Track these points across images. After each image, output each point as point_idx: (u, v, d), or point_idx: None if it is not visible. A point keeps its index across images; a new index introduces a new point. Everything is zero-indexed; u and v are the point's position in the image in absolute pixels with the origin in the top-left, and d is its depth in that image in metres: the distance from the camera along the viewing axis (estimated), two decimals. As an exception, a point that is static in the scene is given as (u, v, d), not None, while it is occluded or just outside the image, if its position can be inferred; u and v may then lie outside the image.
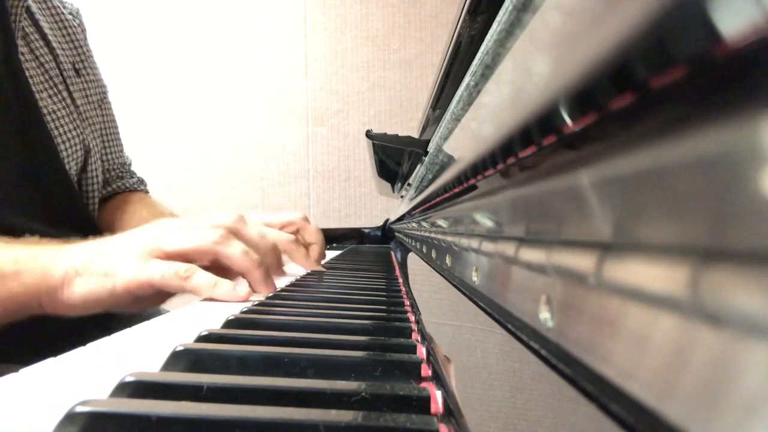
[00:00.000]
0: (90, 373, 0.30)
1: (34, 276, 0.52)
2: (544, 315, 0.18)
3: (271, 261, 0.60)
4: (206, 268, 0.54)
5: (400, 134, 0.87)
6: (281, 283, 0.63)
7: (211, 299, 0.52)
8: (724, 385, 0.09)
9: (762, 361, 0.08)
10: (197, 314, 0.48)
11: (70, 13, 0.89)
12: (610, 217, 0.15)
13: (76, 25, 0.88)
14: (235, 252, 0.54)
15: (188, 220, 0.57)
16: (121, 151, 0.97)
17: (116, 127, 0.95)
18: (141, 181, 1.00)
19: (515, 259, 0.23)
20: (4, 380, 0.28)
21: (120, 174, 0.97)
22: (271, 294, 0.54)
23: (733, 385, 0.09)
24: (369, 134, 0.93)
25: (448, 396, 0.24)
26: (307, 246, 0.81)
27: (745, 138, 0.09)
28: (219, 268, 0.56)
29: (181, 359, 0.28)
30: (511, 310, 0.23)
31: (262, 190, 1.99)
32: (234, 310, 0.42)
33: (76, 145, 0.81)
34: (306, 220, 0.81)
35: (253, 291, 0.55)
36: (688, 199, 0.11)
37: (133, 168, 1.02)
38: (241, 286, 0.53)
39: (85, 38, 0.90)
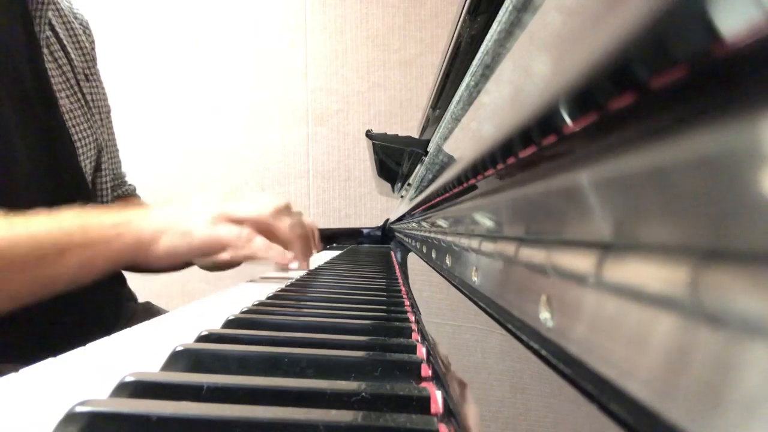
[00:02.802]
0: (90, 373, 0.30)
1: (131, 237, 0.63)
2: (544, 315, 0.18)
3: (310, 236, 0.73)
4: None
5: (400, 134, 0.87)
6: (281, 283, 0.63)
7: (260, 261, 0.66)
8: (724, 385, 0.09)
9: (762, 361, 0.08)
10: (197, 314, 0.48)
11: (81, 24, 0.92)
12: (610, 217, 0.15)
13: (85, 37, 0.91)
14: (285, 225, 0.68)
15: (248, 197, 0.70)
16: (120, 164, 1.03)
17: (116, 144, 1.00)
18: (135, 189, 1.08)
19: (515, 259, 0.23)
20: (4, 380, 0.28)
21: (120, 183, 1.03)
22: (271, 294, 0.55)
23: (733, 385, 0.09)
24: (369, 134, 0.93)
25: (448, 396, 0.24)
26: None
27: (745, 138, 0.09)
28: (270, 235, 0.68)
29: (181, 359, 0.28)
30: (511, 310, 0.23)
31: (262, 190, 1.99)
32: (234, 309, 0.42)
33: (90, 144, 0.84)
34: (300, 213, 0.77)
35: (296, 260, 0.68)
36: (688, 199, 0.11)
37: (131, 174, 1.09)
38: (288, 254, 0.67)
39: (94, 49, 0.93)
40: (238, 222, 0.65)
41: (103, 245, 0.62)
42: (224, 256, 0.68)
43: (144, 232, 0.64)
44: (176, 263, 0.68)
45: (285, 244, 0.68)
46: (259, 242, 0.65)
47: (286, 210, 0.70)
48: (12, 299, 0.58)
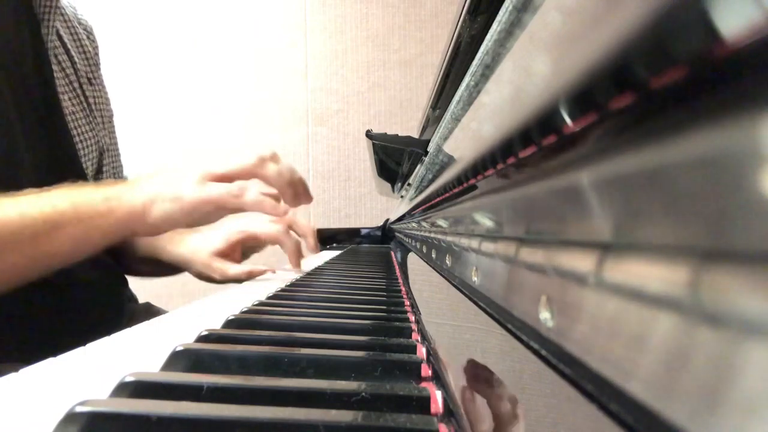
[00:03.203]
0: (90, 373, 0.30)
1: (123, 210, 0.63)
2: (544, 315, 0.18)
3: (300, 182, 0.71)
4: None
5: (400, 134, 0.87)
6: (281, 283, 0.63)
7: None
8: (725, 385, 0.09)
9: (762, 362, 0.08)
10: (197, 314, 0.48)
11: (85, 29, 0.93)
12: (610, 217, 0.15)
13: (88, 42, 0.93)
14: (272, 172, 0.67)
15: (229, 153, 0.70)
16: (122, 168, 1.04)
17: (118, 149, 1.01)
18: None
19: (515, 259, 0.23)
20: (4, 380, 0.28)
21: None
22: (271, 294, 0.55)
23: (734, 385, 0.09)
24: (369, 134, 0.93)
25: (448, 396, 0.24)
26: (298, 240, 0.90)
27: (745, 138, 0.09)
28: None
29: (181, 359, 0.28)
30: (511, 310, 0.23)
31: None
32: (234, 309, 0.42)
33: (92, 146, 0.85)
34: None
35: (289, 206, 0.68)
36: (688, 199, 0.11)
37: (131, 174, 1.09)
38: (281, 206, 0.67)
39: (97, 54, 0.94)
40: (226, 178, 0.66)
41: (96, 219, 0.62)
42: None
43: (135, 204, 0.64)
44: (175, 228, 0.69)
45: (276, 194, 0.69)
46: (251, 194, 0.65)
47: (272, 158, 0.69)
48: (9, 278, 0.58)
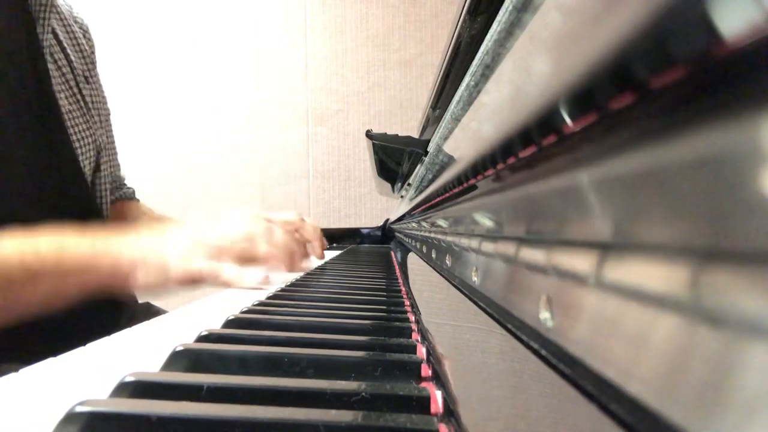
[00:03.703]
0: (90, 373, 0.30)
1: (106, 269, 0.62)
2: (544, 315, 0.18)
3: (295, 249, 0.73)
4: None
5: (400, 134, 0.87)
6: (281, 283, 0.63)
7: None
8: (725, 385, 0.09)
9: (762, 362, 0.08)
10: (197, 314, 0.48)
11: (81, 28, 0.93)
12: (609, 217, 0.15)
13: (85, 41, 0.92)
14: (262, 248, 0.68)
15: (222, 221, 0.71)
16: (119, 167, 1.04)
17: (115, 147, 1.01)
18: (134, 191, 1.09)
19: (515, 259, 0.23)
20: (4, 380, 0.28)
21: (119, 186, 1.04)
22: (271, 294, 0.55)
23: (734, 385, 0.09)
24: (369, 134, 0.93)
25: (448, 396, 0.24)
26: (305, 243, 0.89)
27: (745, 138, 0.09)
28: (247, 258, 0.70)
29: (181, 359, 0.28)
30: (511, 310, 0.23)
31: (262, 190, 1.99)
32: (234, 309, 0.42)
33: (89, 144, 0.85)
34: (303, 219, 0.88)
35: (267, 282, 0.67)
36: (688, 199, 0.11)
37: (130, 175, 1.11)
38: (261, 274, 0.66)
39: (94, 53, 0.94)
40: (220, 252, 0.66)
41: (77, 274, 0.60)
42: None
43: (121, 264, 0.63)
44: (156, 294, 0.70)
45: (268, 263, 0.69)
46: (232, 273, 0.65)
47: (266, 232, 0.70)
48: None
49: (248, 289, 0.63)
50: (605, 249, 0.15)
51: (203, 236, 0.67)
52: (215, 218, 0.71)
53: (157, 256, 0.64)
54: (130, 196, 1.05)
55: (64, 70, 0.83)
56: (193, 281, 0.64)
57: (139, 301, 0.98)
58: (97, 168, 0.88)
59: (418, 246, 0.78)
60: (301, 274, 0.76)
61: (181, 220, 1.06)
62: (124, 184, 1.06)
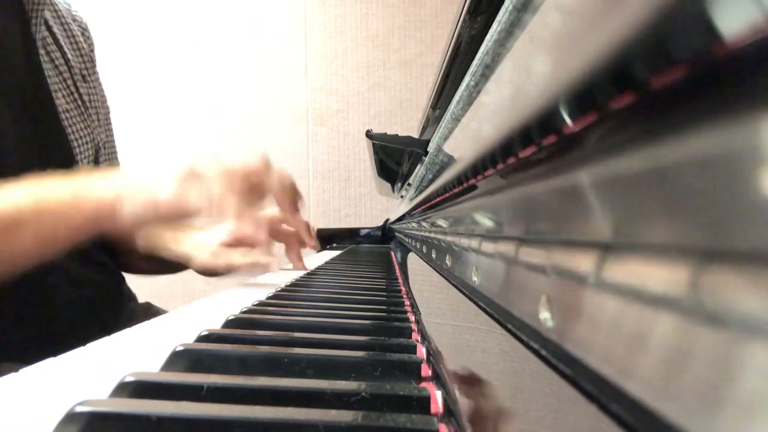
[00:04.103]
0: (90, 373, 0.30)
1: (90, 206, 0.59)
2: (544, 315, 0.18)
3: (294, 192, 0.67)
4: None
5: (400, 134, 0.87)
6: (281, 283, 0.63)
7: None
8: (725, 385, 0.09)
9: (762, 362, 0.08)
10: (197, 314, 0.48)
11: (80, 26, 0.93)
12: (610, 217, 0.15)
13: (83, 39, 0.92)
14: (269, 180, 0.62)
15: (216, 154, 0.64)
16: (120, 165, 1.04)
17: (115, 146, 1.01)
18: None
19: (515, 259, 0.23)
20: (4, 380, 0.28)
21: None
22: (271, 294, 0.55)
23: (734, 385, 0.09)
24: (369, 134, 0.93)
25: (448, 396, 0.24)
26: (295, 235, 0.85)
27: (745, 138, 0.09)
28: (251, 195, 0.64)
29: (181, 359, 0.28)
30: (511, 310, 0.23)
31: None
32: (234, 309, 0.42)
33: (87, 143, 0.85)
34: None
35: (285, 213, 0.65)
36: (688, 199, 0.11)
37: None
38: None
39: (93, 52, 0.94)
40: (208, 181, 0.59)
41: (59, 216, 0.58)
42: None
43: (104, 200, 0.59)
44: (146, 228, 0.64)
45: (269, 199, 0.64)
46: (231, 204, 0.58)
47: (265, 167, 0.64)
48: None
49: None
50: (605, 249, 0.15)
51: (195, 163, 0.61)
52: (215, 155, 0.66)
53: (144, 185, 0.60)
54: None
55: (61, 68, 0.83)
56: (188, 212, 0.60)
57: (139, 301, 0.98)
58: (95, 167, 0.88)
59: (418, 246, 0.78)
60: (302, 274, 0.76)
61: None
62: None
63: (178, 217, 0.61)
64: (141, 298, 0.99)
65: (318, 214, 1.97)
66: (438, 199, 0.52)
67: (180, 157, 0.64)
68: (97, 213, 0.59)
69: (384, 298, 0.53)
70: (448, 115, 0.44)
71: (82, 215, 0.58)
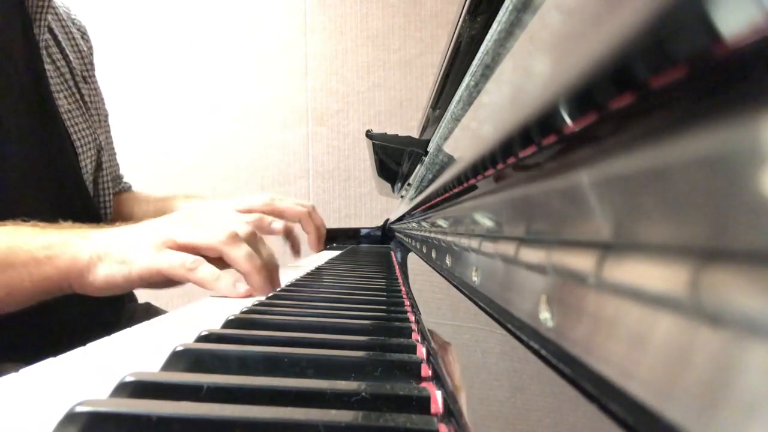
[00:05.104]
0: (90, 373, 0.30)
1: (65, 261, 0.57)
2: (544, 315, 0.18)
3: (272, 268, 0.62)
4: (214, 261, 0.58)
5: (400, 134, 0.87)
6: (282, 282, 0.63)
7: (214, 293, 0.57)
8: (725, 385, 0.09)
9: (762, 361, 0.08)
10: (197, 314, 0.48)
11: (79, 29, 0.94)
12: (610, 217, 0.15)
13: (83, 42, 0.93)
14: (239, 255, 0.58)
15: (203, 215, 0.63)
16: (118, 167, 1.06)
17: (113, 148, 1.02)
18: (131, 186, 1.11)
19: (515, 259, 0.23)
20: (4, 380, 0.28)
21: (117, 183, 1.05)
22: (271, 294, 0.55)
23: (734, 385, 0.09)
24: (369, 134, 0.93)
25: (448, 396, 0.24)
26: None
27: (745, 138, 0.09)
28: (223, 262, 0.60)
29: (181, 359, 0.28)
30: (511, 310, 0.23)
31: (262, 190, 1.99)
32: (234, 309, 0.42)
33: (90, 143, 0.85)
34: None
35: (252, 293, 0.57)
36: (688, 199, 0.11)
37: (130, 175, 1.14)
38: (241, 284, 0.57)
39: (92, 54, 0.95)
40: (186, 249, 0.57)
41: (31, 268, 0.56)
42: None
43: (80, 257, 0.58)
44: (116, 293, 0.61)
45: (243, 275, 0.59)
46: (204, 272, 0.56)
47: (249, 235, 0.60)
48: None
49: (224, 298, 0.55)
50: (605, 249, 0.15)
51: (177, 230, 0.58)
52: (200, 209, 0.65)
53: (121, 248, 0.58)
54: (127, 189, 1.06)
55: (62, 70, 0.83)
56: (160, 277, 0.57)
57: (139, 301, 0.98)
58: (98, 167, 0.88)
59: (418, 246, 0.78)
60: (302, 274, 0.76)
61: (196, 194, 1.07)
62: (122, 181, 1.07)
63: (150, 281, 0.58)
64: (141, 298, 0.99)
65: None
66: (438, 199, 0.52)
67: (164, 218, 0.63)
68: (70, 269, 0.57)
69: (384, 298, 0.53)
70: (448, 115, 0.44)
71: (54, 270, 0.57)
